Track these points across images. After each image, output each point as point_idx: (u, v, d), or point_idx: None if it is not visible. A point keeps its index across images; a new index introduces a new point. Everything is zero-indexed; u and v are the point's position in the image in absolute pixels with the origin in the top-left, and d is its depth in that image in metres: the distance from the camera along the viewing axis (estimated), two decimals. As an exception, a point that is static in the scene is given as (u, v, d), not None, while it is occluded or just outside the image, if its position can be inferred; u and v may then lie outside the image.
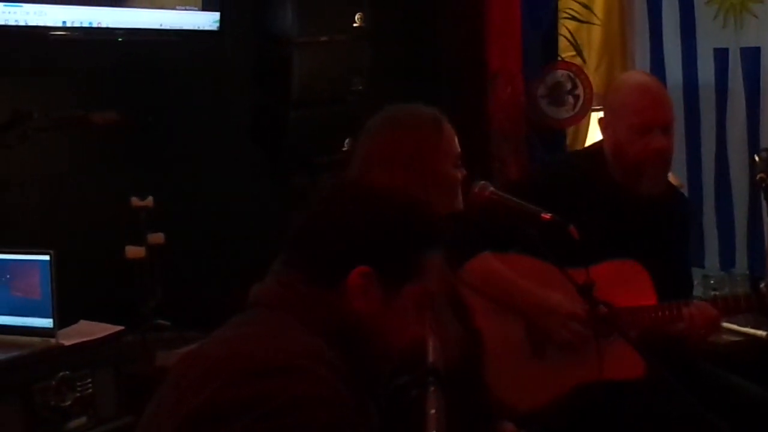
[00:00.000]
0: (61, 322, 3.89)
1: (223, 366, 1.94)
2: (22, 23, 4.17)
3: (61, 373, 3.72)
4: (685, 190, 5.91)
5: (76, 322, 4.06)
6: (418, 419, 1.98)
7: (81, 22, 4.35)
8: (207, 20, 4.83)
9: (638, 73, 5.20)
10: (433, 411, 1.97)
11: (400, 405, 2.19)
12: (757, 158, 3.69)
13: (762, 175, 3.54)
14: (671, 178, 4.64)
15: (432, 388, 2.03)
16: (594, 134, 6.08)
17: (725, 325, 4.41)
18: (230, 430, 1.83)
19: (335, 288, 2.06)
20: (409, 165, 2.94)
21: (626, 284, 3.70)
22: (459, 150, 3.06)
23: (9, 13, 4.12)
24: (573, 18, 6.45)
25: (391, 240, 2.10)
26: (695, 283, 4.40)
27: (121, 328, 4.07)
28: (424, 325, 2.16)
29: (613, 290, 3.54)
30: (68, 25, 4.31)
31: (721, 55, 6.25)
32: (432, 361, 2.12)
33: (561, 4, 6.42)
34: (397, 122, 3.05)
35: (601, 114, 4.13)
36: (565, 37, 6.45)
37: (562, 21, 6.43)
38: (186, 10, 4.73)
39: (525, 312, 3.69)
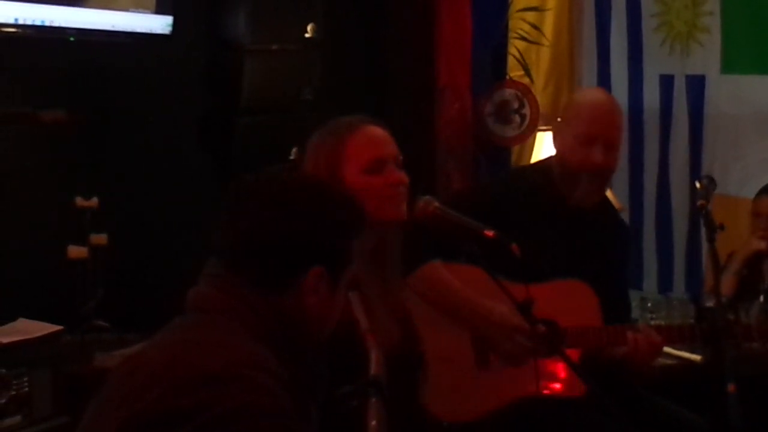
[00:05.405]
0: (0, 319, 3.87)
1: (166, 372, 1.94)
2: (-28, 20, 4.15)
3: (-3, 371, 3.70)
4: (626, 213, 5.97)
5: (14, 320, 4.03)
6: (359, 430, 2.00)
7: (33, 20, 4.33)
8: (160, 23, 4.82)
9: (599, 91, 5.17)
10: (374, 422, 1.99)
11: (341, 415, 2.20)
12: (698, 184, 3.72)
13: (702, 201, 3.56)
14: (613, 200, 4.68)
15: (373, 399, 2.05)
16: (539, 153, 6.12)
17: (660, 348, 4.45)
18: None
19: (287, 291, 2.09)
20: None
21: (573, 304, 3.71)
22: (373, 155, 2.98)
23: (-40, 9, 4.10)
24: (522, 38, 6.50)
25: (333, 237, 2.17)
26: (632, 305, 4.42)
27: (60, 327, 4.04)
28: (346, 301, 2.28)
29: (559, 309, 3.56)
30: (20, 22, 4.28)
31: (666, 82, 6.33)
32: (374, 372, 2.14)
33: (511, 24, 6.46)
34: (317, 134, 3.07)
35: (547, 134, 4.15)
36: (515, 56, 6.49)
37: (511, 40, 6.48)
38: (139, 12, 4.72)
39: (470, 322, 3.69)
